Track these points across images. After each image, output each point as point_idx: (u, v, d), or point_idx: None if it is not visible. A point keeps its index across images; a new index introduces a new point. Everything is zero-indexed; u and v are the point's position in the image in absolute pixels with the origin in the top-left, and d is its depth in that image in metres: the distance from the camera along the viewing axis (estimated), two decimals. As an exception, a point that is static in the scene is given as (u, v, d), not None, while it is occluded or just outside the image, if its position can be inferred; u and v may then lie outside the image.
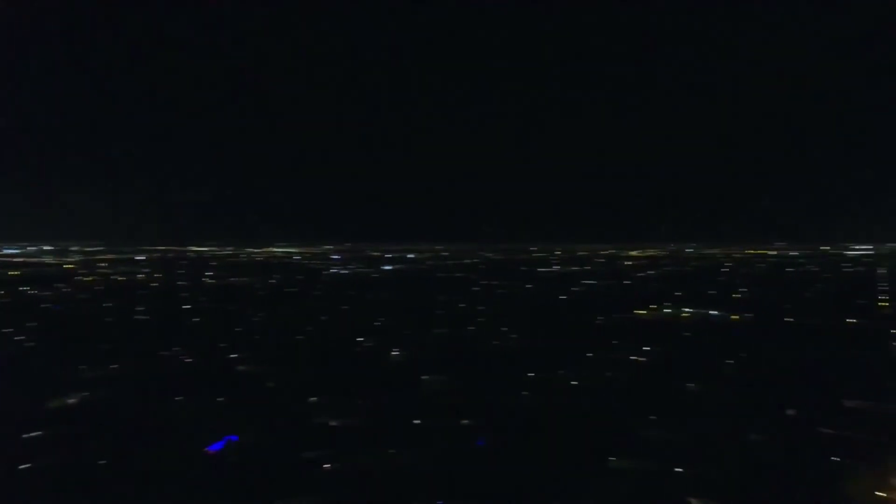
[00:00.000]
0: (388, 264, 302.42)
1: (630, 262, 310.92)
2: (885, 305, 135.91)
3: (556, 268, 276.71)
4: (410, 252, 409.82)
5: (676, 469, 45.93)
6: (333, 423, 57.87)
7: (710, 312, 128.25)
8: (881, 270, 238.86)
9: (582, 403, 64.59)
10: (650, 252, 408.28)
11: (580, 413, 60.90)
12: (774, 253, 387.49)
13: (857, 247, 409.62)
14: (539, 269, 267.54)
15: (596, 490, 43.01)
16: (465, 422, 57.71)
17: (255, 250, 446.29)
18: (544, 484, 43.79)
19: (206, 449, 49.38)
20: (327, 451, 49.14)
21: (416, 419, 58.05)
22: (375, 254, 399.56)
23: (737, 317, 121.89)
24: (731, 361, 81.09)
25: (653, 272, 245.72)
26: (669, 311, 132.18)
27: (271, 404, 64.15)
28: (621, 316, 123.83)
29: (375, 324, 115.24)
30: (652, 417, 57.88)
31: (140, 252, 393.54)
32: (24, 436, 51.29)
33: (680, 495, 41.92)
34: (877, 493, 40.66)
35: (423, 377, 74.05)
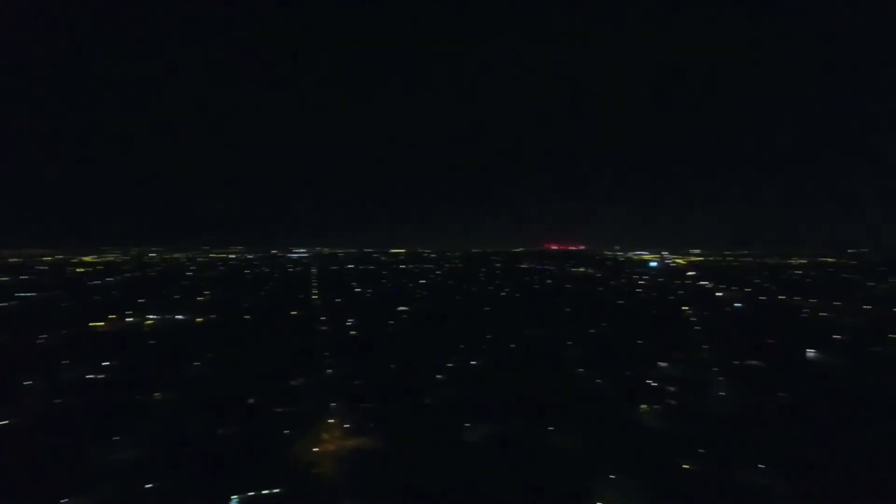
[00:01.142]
0: None
1: (83, 269, 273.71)
2: (316, 298, 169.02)
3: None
4: None
5: (147, 486, 44.30)
6: None
7: (176, 317, 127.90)
8: (314, 269, 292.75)
9: (13, 447, 53.25)
10: (109, 257, 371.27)
11: (10, 459, 50.09)
12: (234, 256, 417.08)
13: (297, 250, 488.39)
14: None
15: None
16: None
17: None
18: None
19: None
20: None
21: None
22: None
23: (201, 319, 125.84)
24: (198, 363, 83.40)
25: (112, 279, 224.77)
26: (132, 319, 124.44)
27: None
28: (74, 331, 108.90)
29: None
30: (115, 438, 53.47)
31: None
32: None
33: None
34: (314, 449, 53.08)
35: None
